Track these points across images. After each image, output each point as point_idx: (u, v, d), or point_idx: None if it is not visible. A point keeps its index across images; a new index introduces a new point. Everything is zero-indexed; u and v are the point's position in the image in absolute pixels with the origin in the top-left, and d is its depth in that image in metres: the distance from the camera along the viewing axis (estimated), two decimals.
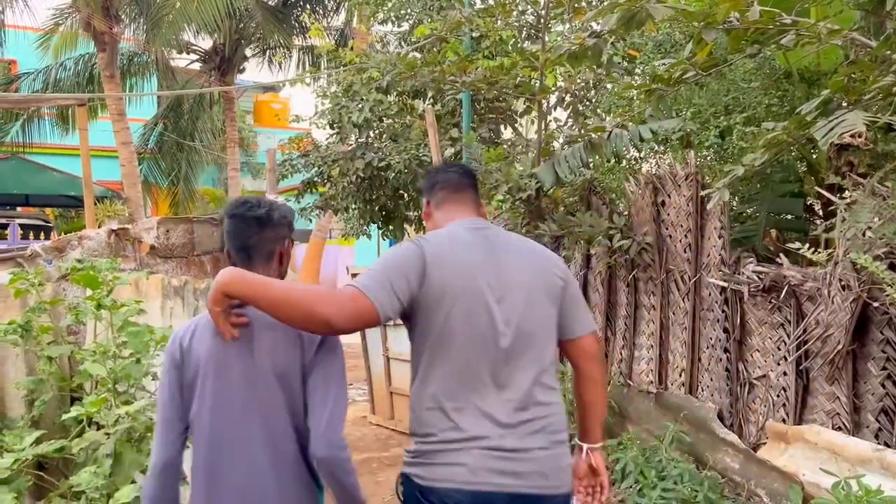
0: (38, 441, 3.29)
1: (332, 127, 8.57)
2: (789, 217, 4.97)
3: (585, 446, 2.35)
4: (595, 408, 2.37)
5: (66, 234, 5.11)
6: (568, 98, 7.51)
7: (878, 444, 3.20)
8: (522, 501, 2.03)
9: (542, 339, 2.14)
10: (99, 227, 5.28)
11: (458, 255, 2.09)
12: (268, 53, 15.97)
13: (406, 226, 9.44)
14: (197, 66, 16.13)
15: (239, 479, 2.00)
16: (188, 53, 15.56)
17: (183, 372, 2.06)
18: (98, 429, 3.35)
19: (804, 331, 3.66)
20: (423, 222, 2.55)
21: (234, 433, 2.01)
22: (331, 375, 2.01)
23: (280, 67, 16.11)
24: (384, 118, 8.35)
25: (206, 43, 15.26)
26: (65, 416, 3.30)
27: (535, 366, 2.10)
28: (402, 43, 9.77)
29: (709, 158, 5.33)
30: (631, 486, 3.83)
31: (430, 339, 2.06)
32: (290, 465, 2.02)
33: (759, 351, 3.98)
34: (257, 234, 2.11)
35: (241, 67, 15.97)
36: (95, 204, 11.27)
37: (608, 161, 6.02)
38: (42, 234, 12.90)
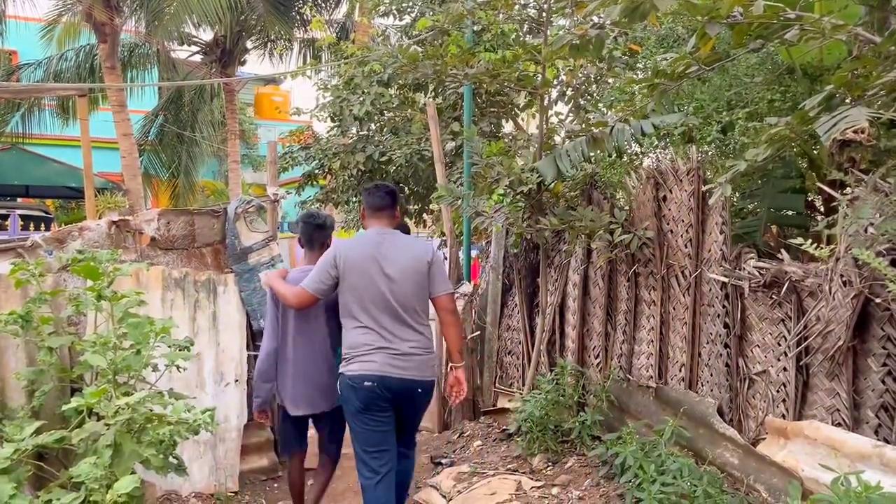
0: (38, 431, 3.30)
1: (332, 120, 8.57)
2: (790, 213, 4.96)
3: (451, 365, 3.95)
4: (450, 340, 3.90)
5: (66, 225, 5.10)
6: (570, 92, 7.51)
7: (878, 440, 3.21)
8: (406, 383, 3.68)
9: (413, 294, 3.74)
10: (99, 218, 5.27)
11: (359, 250, 3.79)
12: (269, 46, 15.92)
13: (406, 219, 9.44)
14: (198, 57, 16.10)
15: (303, 364, 4.07)
16: (189, 45, 15.54)
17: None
18: (98, 420, 3.36)
19: (805, 327, 3.65)
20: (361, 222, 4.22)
21: (304, 336, 4.06)
22: None
23: (281, 60, 16.08)
24: (385, 111, 8.36)
25: (207, 35, 15.23)
26: (65, 407, 3.31)
27: (410, 310, 3.73)
28: (404, 36, 9.75)
29: (710, 154, 5.32)
30: (630, 481, 3.84)
31: (346, 295, 3.74)
32: (329, 355, 4.09)
33: (759, 346, 3.98)
34: (316, 233, 4.25)
35: (243, 60, 15.94)
36: (96, 195, 11.27)
37: (610, 156, 6.01)
38: (42, 225, 12.90)
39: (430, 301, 3.83)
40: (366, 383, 3.61)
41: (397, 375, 3.63)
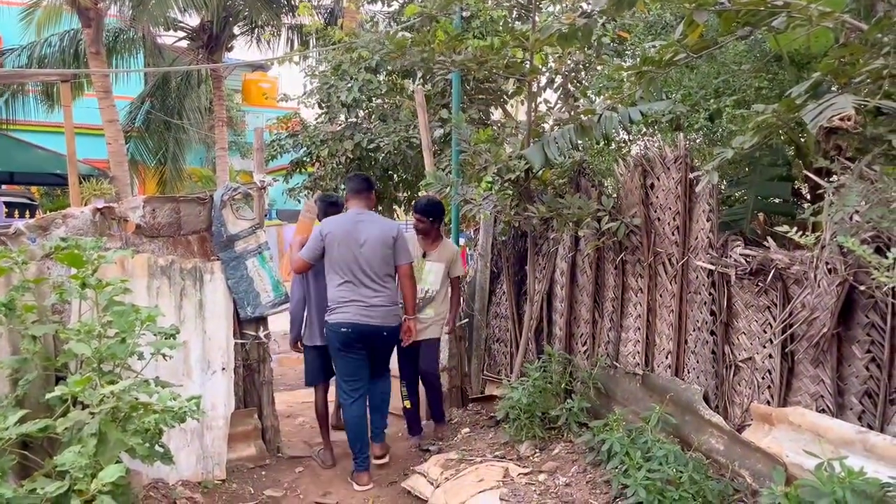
0: (22, 420, 3.27)
1: (320, 107, 8.52)
2: (777, 200, 4.97)
3: (404, 317, 5.03)
4: (406, 298, 5.00)
5: (51, 212, 5.05)
6: (558, 79, 7.49)
7: (862, 426, 3.23)
8: (373, 328, 4.81)
9: (380, 261, 4.84)
10: (85, 205, 5.22)
11: (340, 226, 4.87)
12: (256, 32, 15.79)
13: (395, 206, 9.42)
14: (184, 43, 15.95)
15: (318, 308, 5.20)
16: (175, 31, 15.38)
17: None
18: (83, 408, 3.33)
19: (790, 314, 3.67)
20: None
21: (318, 289, 5.20)
22: None
23: (269, 46, 15.95)
24: (373, 98, 8.31)
25: (193, 20, 15.07)
26: (49, 396, 3.28)
27: (377, 273, 4.83)
28: (392, 22, 9.68)
29: (698, 141, 5.33)
30: (616, 467, 3.86)
31: (330, 262, 4.85)
32: None
33: (745, 333, 4.00)
34: (331, 209, 5.34)
35: (230, 46, 15.80)
36: (81, 182, 11.16)
37: (598, 143, 6.00)
38: (27, 212, 12.78)
39: (393, 267, 4.96)
40: (342, 329, 4.79)
41: (366, 322, 4.78)
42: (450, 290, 5.62)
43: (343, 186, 8.63)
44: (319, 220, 5.21)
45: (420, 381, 5.60)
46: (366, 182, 5.18)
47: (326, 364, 5.22)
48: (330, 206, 5.41)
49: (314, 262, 4.92)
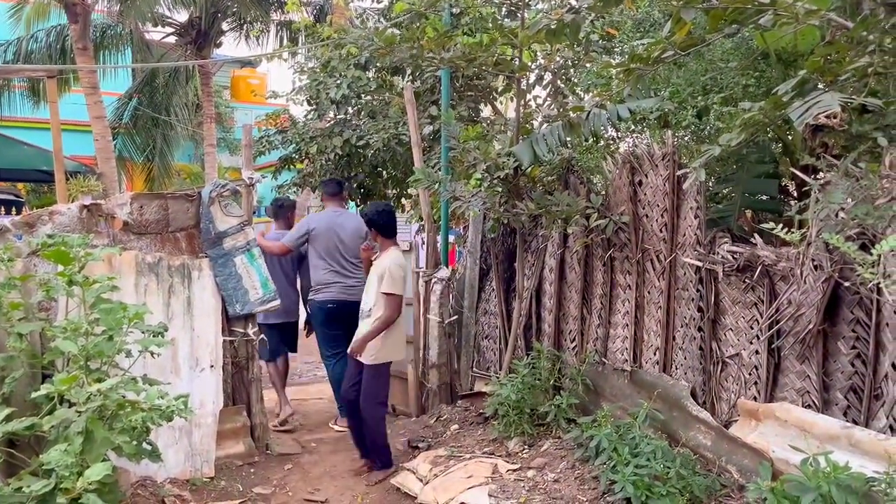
0: (8, 418, 3.26)
1: (309, 103, 8.48)
2: (764, 197, 5.00)
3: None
4: (366, 268, 5.37)
5: (37, 209, 5.01)
6: (547, 76, 7.48)
7: (847, 421, 3.26)
8: (351, 304, 5.58)
9: (355, 249, 5.89)
10: (72, 202, 5.19)
11: (324, 222, 6.06)
12: (245, 28, 15.67)
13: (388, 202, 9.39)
14: (172, 39, 15.82)
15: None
16: (163, 26, 15.24)
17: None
18: (69, 406, 3.32)
19: (776, 310, 3.70)
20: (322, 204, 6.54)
21: (277, 277, 6.06)
22: None
23: (258, 42, 15.85)
24: (362, 95, 8.27)
25: (181, 16, 14.96)
26: (35, 394, 3.26)
27: (353, 259, 5.96)
28: (382, 19, 9.65)
29: (686, 138, 5.34)
30: (605, 463, 3.88)
31: (317, 249, 5.98)
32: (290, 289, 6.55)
33: (732, 330, 4.03)
34: (280, 211, 6.82)
35: (218, 42, 15.68)
36: (68, 179, 11.08)
37: (586, 140, 6.01)
38: (14, 209, 12.67)
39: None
40: (328, 305, 5.98)
41: (346, 299, 5.88)
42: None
43: None
44: (275, 220, 6.79)
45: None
46: (339, 185, 6.53)
47: (285, 338, 6.50)
48: (279, 209, 6.78)
49: (295, 249, 6.16)
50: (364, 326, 4.95)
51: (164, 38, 16.02)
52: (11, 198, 14.19)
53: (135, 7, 11.93)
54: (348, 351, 5.07)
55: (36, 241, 4.02)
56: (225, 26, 15.47)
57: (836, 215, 3.27)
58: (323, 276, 5.97)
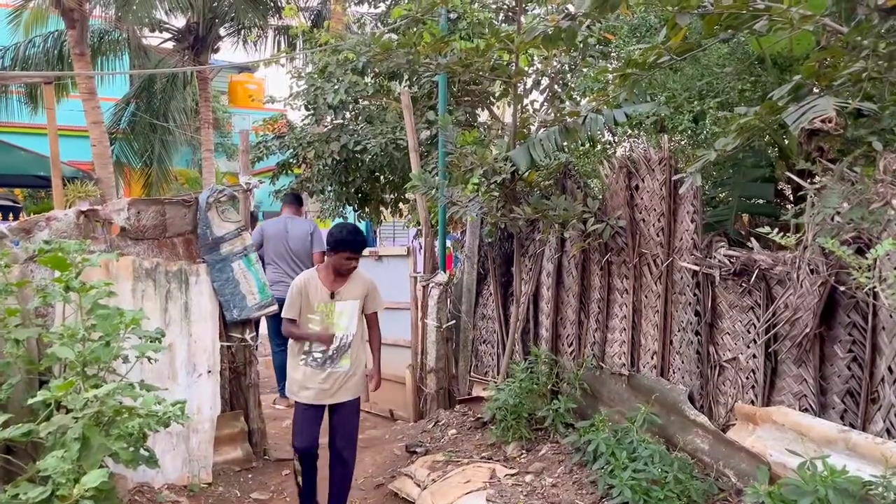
0: (5, 425, 3.24)
1: (307, 108, 8.48)
2: (760, 202, 5.01)
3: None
4: (316, 260, 6.83)
5: (34, 214, 5.01)
6: (544, 81, 7.51)
7: (844, 425, 3.26)
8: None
9: (301, 251, 6.99)
10: (69, 208, 5.18)
11: (275, 226, 7.14)
12: (242, 33, 15.70)
13: (381, 208, 9.41)
14: (170, 45, 15.83)
15: None
16: (161, 32, 15.25)
17: None
18: (66, 412, 3.31)
19: (773, 314, 3.70)
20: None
21: None
22: None
23: (255, 47, 15.88)
24: (360, 100, 8.29)
25: (179, 21, 14.97)
26: (32, 400, 3.25)
27: (300, 259, 6.94)
28: (379, 24, 9.67)
29: (682, 143, 5.36)
30: (602, 467, 3.87)
31: (267, 251, 6.94)
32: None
33: (729, 334, 4.03)
34: (252, 222, 6.89)
35: (216, 47, 15.68)
36: (66, 185, 11.08)
37: (583, 145, 6.03)
38: (10, 214, 12.67)
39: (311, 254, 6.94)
40: (277, 297, 5.45)
41: None
42: (367, 331, 4.54)
43: (330, 188, 8.69)
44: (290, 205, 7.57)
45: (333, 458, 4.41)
46: (298, 198, 7.71)
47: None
48: (253, 220, 7.31)
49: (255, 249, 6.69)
50: (346, 361, 4.27)
51: (161, 43, 16.02)
52: (9, 203, 14.18)
53: (132, 12, 11.95)
54: (372, 389, 4.54)
55: (33, 247, 4.02)
56: (222, 31, 15.48)
57: (832, 219, 3.28)
58: (271, 274, 6.63)
